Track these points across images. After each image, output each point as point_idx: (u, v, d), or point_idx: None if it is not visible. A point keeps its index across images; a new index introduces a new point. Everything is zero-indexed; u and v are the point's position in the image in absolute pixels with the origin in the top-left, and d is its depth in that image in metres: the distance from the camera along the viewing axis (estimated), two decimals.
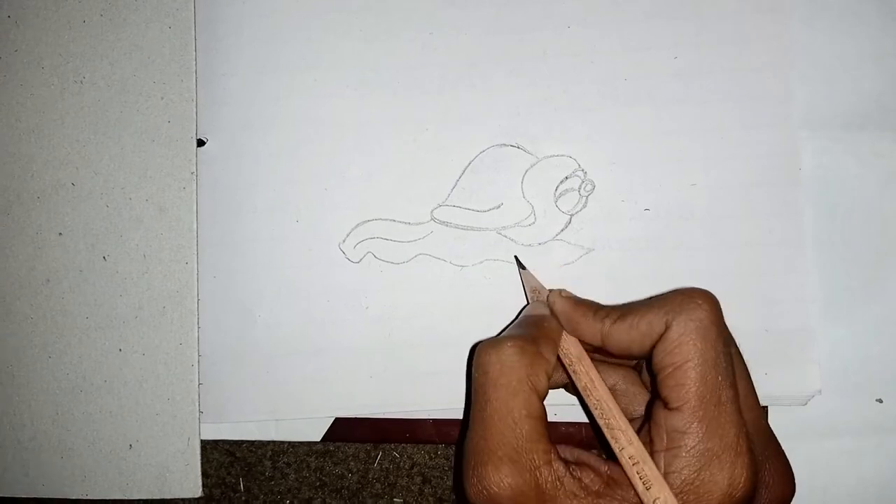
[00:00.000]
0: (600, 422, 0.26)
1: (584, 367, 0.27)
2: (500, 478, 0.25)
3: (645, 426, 0.26)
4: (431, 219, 0.34)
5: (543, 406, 0.26)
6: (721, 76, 0.33)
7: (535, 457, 0.25)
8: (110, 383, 0.34)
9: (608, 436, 0.26)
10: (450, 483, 0.34)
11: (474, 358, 0.27)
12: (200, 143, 0.34)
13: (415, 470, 0.34)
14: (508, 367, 0.26)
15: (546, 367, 0.26)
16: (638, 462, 0.25)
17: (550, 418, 0.27)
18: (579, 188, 0.33)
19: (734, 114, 0.33)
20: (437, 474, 0.34)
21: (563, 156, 0.34)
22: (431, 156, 0.34)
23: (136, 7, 0.34)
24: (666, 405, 0.25)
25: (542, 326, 0.28)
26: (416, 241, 0.34)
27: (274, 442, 0.34)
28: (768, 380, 0.32)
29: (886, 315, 0.33)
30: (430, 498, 0.34)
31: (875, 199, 0.33)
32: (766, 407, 0.33)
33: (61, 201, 0.34)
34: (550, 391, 0.27)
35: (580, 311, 0.28)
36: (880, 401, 0.33)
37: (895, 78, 0.33)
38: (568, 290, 0.30)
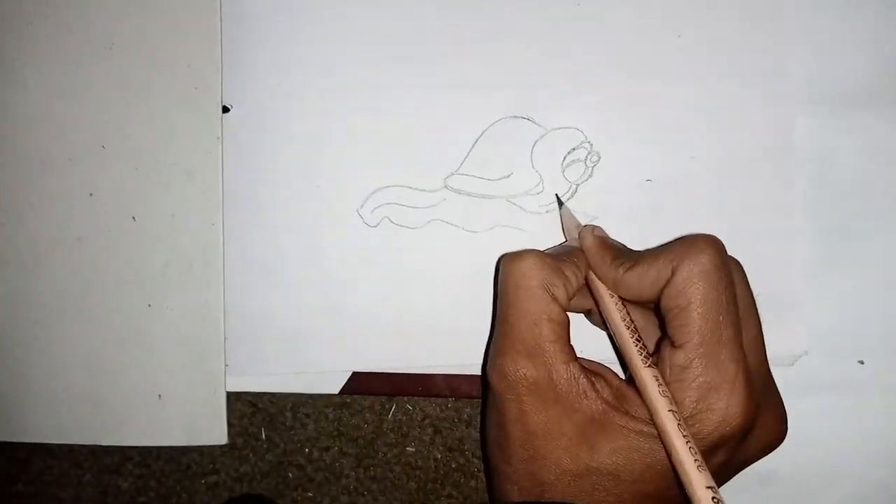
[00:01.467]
0: (619, 341, 0.29)
1: (606, 293, 0.30)
2: (516, 368, 0.27)
3: (655, 362, 0.28)
4: (445, 186, 0.35)
5: (565, 315, 0.28)
6: (722, 54, 0.35)
7: (552, 355, 0.27)
8: (140, 337, 0.36)
9: (623, 350, 0.28)
10: (458, 434, 0.36)
11: (501, 266, 0.29)
12: (225, 109, 0.36)
13: (426, 421, 0.36)
14: (528, 273, 0.28)
15: (565, 282, 0.28)
16: (656, 378, 0.27)
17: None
18: (585, 159, 0.35)
19: (733, 90, 0.35)
20: (448, 426, 0.36)
21: (570, 128, 0.35)
22: (445, 126, 0.35)
23: None
24: (672, 344, 0.27)
25: (570, 253, 0.30)
26: (430, 207, 0.35)
27: (294, 394, 0.36)
28: None
29: (869, 280, 0.35)
30: (441, 447, 0.36)
31: (863, 171, 0.35)
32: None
33: (92, 163, 0.36)
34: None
35: (601, 253, 0.30)
36: (861, 362, 0.35)
37: (888, 56, 0.35)
38: (602, 229, 0.32)
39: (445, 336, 0.35)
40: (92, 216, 0.36)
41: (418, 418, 0.36)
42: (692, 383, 0.26)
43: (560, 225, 0.35)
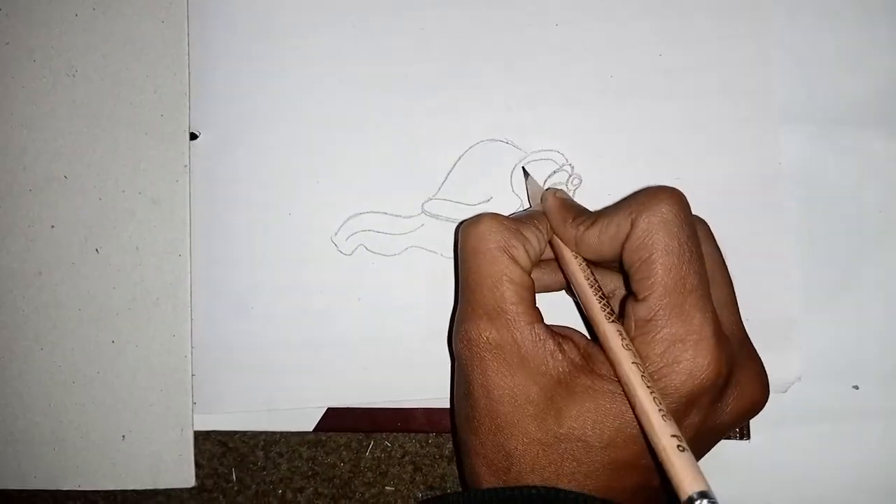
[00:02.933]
0: (582, 300, 0.28)
1: (569, 253, 0.29)
2: (479, 331, 0.26)
3: (620, 319, 0.27)
4: (422, 212, 0.34)
5: (528, 277, 0.27)
6: (705, 73, 0.34)
7: (514, 316, 0.26)
8: (103, 375, 0.34)
9: (587, 309, 0.27)
10: (440, 471, 0.35)
11: (458, 234, 0.29)
12: (193, 136, 0.35)
13: (406, 458, 0.35)
14: (485, 236, 0.27)
15: (525, 244, 0.27)
16: (619, 332, 0.26)
17: None
18: (567, 182, 0.34)
19: (717, 109, 0.34)
20: (428, 462, 0.35)
21: (551, 150, 0.34)
22: (422, 150, 0.34)
23: (129, 0, 0.35)
24: (635, 298, 0.26)
25: (531, 216, 0.29)
26: (407, 233, 0.34)
27: (266, 432, 0.35)
28: None
29: (863, 304, 0.34)
30: (421, 486, 0.35)
31: (853, 191, 0.34)
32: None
33: (54, 194, 0.35)
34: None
35: (562, 214, 0.29)
36: (856, 387, 0.34)
37: (873, 75, 0.34)
38: (565, 191, 0.31)
39: (425, 368, 0.34)
40: (53, 249, 0.34)
41: (397, 455, 0.35)
42: (657, 335, 0.25)
43: (526, 194, 0.34)
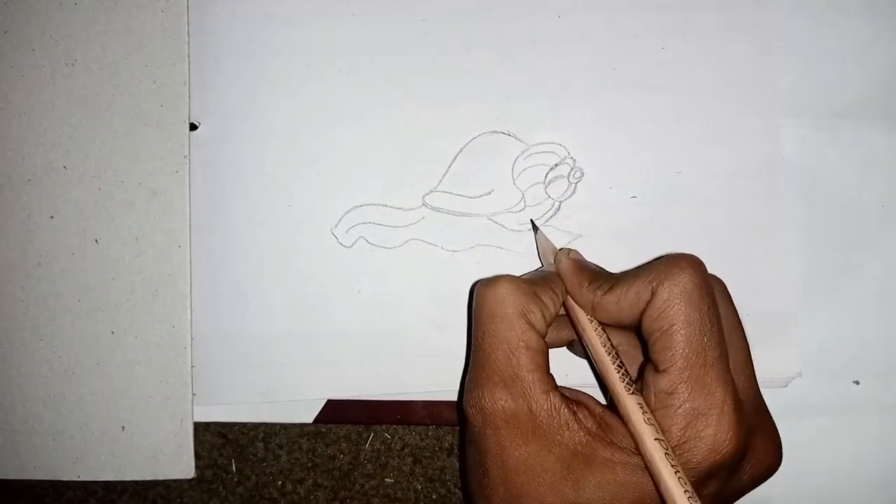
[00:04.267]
0: (600, 368, 0.27)
1: (585, 318, 0.28)
2: (493, 400, 0.26)
3: (639, 388, 0.26)
4: (423, 204, 0.34)
5: (543, 342, 0.27)
6: (707, 66, 0.34)
7: (530, 385, 0.26)
8: (102, 366, 0.34)
9: (605, 378, 0.27)
10: (439, 463, 0.35)
11: (474, 293, 0.28)
12: (193, 127, 0.34)
13: (406, 451, 0.35)
14: (503, 300, 0.27)
15: (542, 308, 0.27)
16: (641, 406, 0.25)
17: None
18: (568, 175, 0.34)
19: (719, 102, 0.34)
20: (428, 454, 0.35)
21: (552, 143, 0.34)
22: (423, 142, 0.34)
23: None
24: (655, 368, 0.26)
25: (546, 277, 0.29)
26: (407, 226, 0.34)
27: (266, 424, 0.35)
28: None
29: (863, 299, 0.34)
30: (421, 478, 0.35)
31: (854, 185, 0.34)
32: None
33: (52, 184, 0.34)
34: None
35: (577, 277, 0.28)
36: (857, 382, 0.34)
37: (875, 68, 0.34)
38: (578, 252, 0.30)
39: (425, 360, 0.34)
40: (52, 239, 0.34)
41: (397, 447, 0.35)
42: (678, 409, 0.25)
43: (536, 250, 0.33)
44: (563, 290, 0.29)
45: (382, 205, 0.34)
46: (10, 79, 0.35)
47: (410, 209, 0.34)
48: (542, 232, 0.33)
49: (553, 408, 0.26)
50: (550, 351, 0.28)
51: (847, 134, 0.34)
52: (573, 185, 0.34)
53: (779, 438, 0.28)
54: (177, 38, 0.34)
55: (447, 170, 0.34)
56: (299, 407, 0.34)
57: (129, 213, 0.34)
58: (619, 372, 0.26)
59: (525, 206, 0.34)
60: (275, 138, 0.34)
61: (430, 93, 0.34)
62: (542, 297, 0.27)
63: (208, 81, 0.35)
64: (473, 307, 0.28)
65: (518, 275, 0.31)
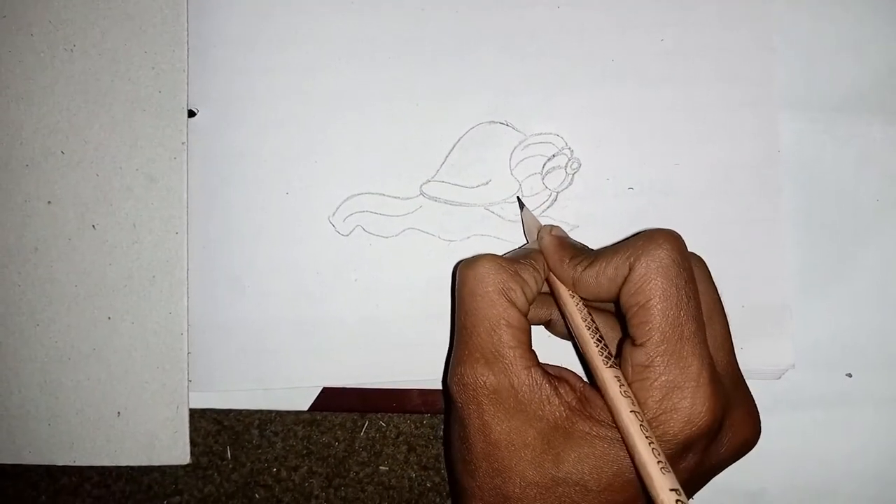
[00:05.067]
0: (580, 342, 0.27)
1: (566, 293, 0.28)
2: (476, 376, 0.26)
3: (617, 363, 0.27)
4: (420, 193, 0.34)
5: (525, 319, 0.27)
6: (705, 58, 0.34)
7: (512, 360, 0.26)
8: (99, 351, 0.34)
9: (584, 352, 0.27)
10: (434, 451, 0.35)
11: (457, 274, 0.28)
12: (191, 113, 0.34)
13: (400, 439, 0.35)
14: (483, 279, 0.27)
15: (523, 285, 0.27)
16: (618, 378, 0.26)
17: None
18: (566, 166, 0.34)
19: (717, 95, 0.34)
20: (423, 443, 0.35)
21: (550, 134, 0.34)
22: (421, 131, 0.34)
23: None
24: (633, 342, 0.26)
25: (528, 255, 0.29)
26: (405, 215, 0.34)
27: (261, 411, 0.35)
28: (744, 354, 0.32)
29: (857, 293, 0.34)
30: (415, 466, 0.35)
31: (850, 179, 0.34)
32: None
33: (50, 169, 0.34)
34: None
35: (559, 254, 0.29)
36: (850, 375, 0.34)
37: (873, 63, 0.34)
38: (561, 228, 0.30)
39: (420, 349, 0.34)
40: (50, 225, 0.34)
41: (392, 435, 0.35)
42: (654, 382, 0.25)
43: (521, 227, 0.33)
44: (545, 267, 0.29)
45: (380, 194, 0.34)
46: (9, 64, 0.35)
47: (408, 198, 0.34)
48: (527, 209, 0.33)
49: (534, 383, 0.26)
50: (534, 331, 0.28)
51: (844, 127, 0.34)
52: (570, 175, 0.34)
53: (757, 412, 0.28)
54: (176, 25, 0.34)
55: (445, 159, 0.34)
56: (295, 394, 0.34)
57: (126, 199, 0.34)
58: (597, 346, 0.27)
59: (522, 195, 0.34)
60: (273, 126, 0.34)
61: (429, 82, 0.34)
62: (523, 275, 0.28)
63: (207, 68, 0.35)
64: (456, 286, 0.28)
65: (500, 253, 0.31)
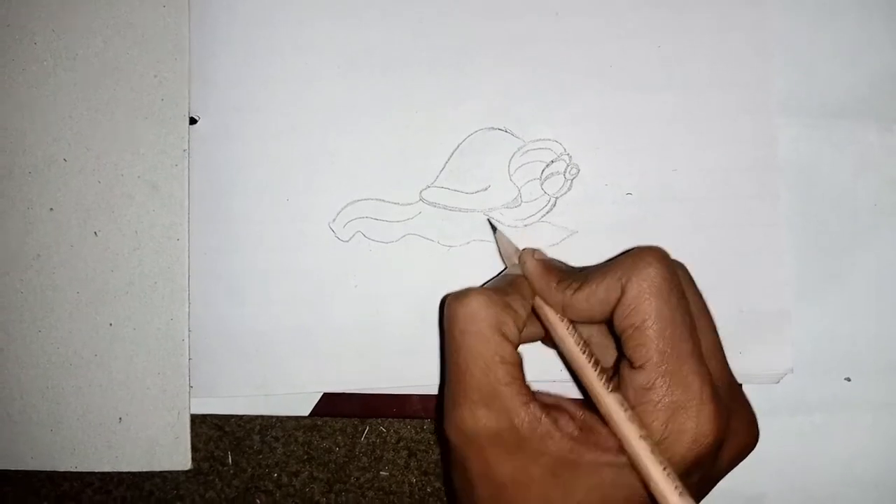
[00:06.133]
0: (575, 367, 0.27)
1: (556, 318, 0.28)
2: (475, 419, 0.26)
3: (616, 385, 0.27)
4: (420, 199, 0.34)
5: (517, 353, 0.27)
6: (703, 64, 0.34)
7: (510, 399, 0.26)
8: (100, 357, 0.34)
9: (582, 377, 0.27)
10: (435, 457, 0.35)
11: (445, 309, 0.28)
12: (192, 121, 0.35)
13: (401, 444, 0.35)
14: (476, 315, 0.26)
15: (515, 317, 0.27)
16: (622, 404, 0.25)
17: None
18: (564, 172, 0.34)
19: (715, 101, 0.34)
20: (423, 448, 0.35)
21: (549, 140, 0.34)
22: (421, 138, 0.35)
23: None
24: (631, 364, 0.26)
25: (513, 283, 0.29)
26: (404, 221, 0.34)
27: (262, 416, 0.35)
28: (743, 358, 0.33)
29: (856, 297, 0.34)
30: (416, 471, 0.35)
31: (848, 184, 0.34)
32: (740, 385, 0.34)
33: (53, 177, 0.35)
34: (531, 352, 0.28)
35: (545, 278, 0.28)
36: (848, 379, 0.34)
37: (870, 68, 0.34)
38: (541, 251, 0.30)
39: (420, 354, 0.34)
40: (52, 231, 0.34)
41: (392, 441, 0.35)
42: (658, 405, 0.25)
43: (497, 251, 0.33)
44: (531, 293, 0.29)
45: (380, 200, 0.34)
46: (12, 72, 0.35)
47: (407, 204, 0.34)
48: (501, 232, 0.33)
49: (534, 419, 0.25)
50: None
51: (841, 133, 0.34)
52: (569, 181, 0.34)
53: (754, 416, 0.28)
54: (178, 34, 0.35)
55: (444, 165, 0.34)
56: (295, 400, 0.34)
57: (128, 206, 0.34)
58: (595, 370, 0.26)
59: (521, 201, 0.34)
60: (274, 133, 0.35)
61: (428, 89, 0.35)
62: (514, 306, 0.27)
63: (208, 76, 0.35)
64: (445, 324, 0.27)
65: (485, 281, 0.31)
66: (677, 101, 0.34)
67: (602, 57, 0.34)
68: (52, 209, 0.35)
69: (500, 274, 0.33)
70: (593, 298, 0.27)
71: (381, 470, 0.35)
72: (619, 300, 0.26)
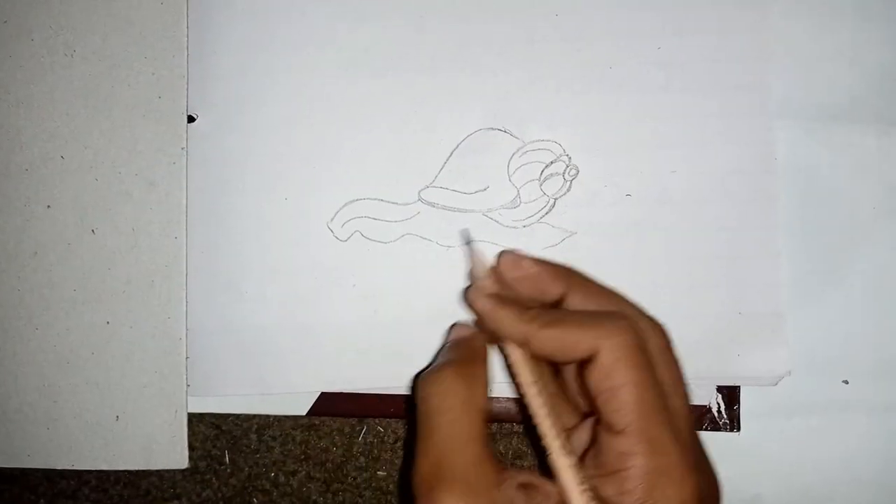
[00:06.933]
0: (540, 433, 0.27)
1: (525, 372, 0.28)
2: (454, 502, 0.25)
3: (591, 450, 0.26)
4: (419, 199, 0.34)
5: (488, 426, 0.26)
6: (702, 66, 0.34)
7: (487, 480, 0.25)
8: (97, 356, 0.34)
9: (547, 446, 0.26)
10: None
11: (416, 391, 0.27)
12: (191, 119, 0.35)
13: (398, 444, 0.35)
14: (449, 393, 0.26)
15: (482, 384, 0.27)
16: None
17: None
18: (563, 173, 0.34)
19: (714, 103, 0.34)
20: None
21: (548, 140, 0.34)
22: (420, 138, 0.34)
23: None
24: (609, 429, 0.25)
25: (471, 346, 0.29)
26: (403, 221, 0.34)
27: (259, 416, 0.35)
28: (740, 360, 0.33)
29: (853, 300, 0.34)
30: None
31: (845, 187, 0.34)
32: (738, 387, 0.34)
33: (50, 174, 0.34)
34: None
35: (503, 312, 0.28)
36: (846, 381, 0.34)
37: (868, 71, 0.34)
38: (490, 282, 0.30)
39: (418, 354, 0.34)
40: (49, 229, 0.34)
41: (390, 441, 0.35)
42: (640, 470, 0.25)
43: (467, 264, 0.33)
44: (486, 350, 0.29)
45: (378, 199, 0.34)
46: (9, 68, 0.35)
47: (406, 204, 0.34)
48: (475, 248, 0.31)
49: (510, 501, 0.25)
50: None
51: (840, 136, 0.34)
52: (568, 182, 0.34)
53: (717, 479, 0.28)
54: (176, 31, 0.34)
55: (443, 165, 0.34)
56: (293, 399, 0.34)
57: (126, 203, 0.34)
58: (559, 439, 0.26)
59: (520, 202, 0.34)
60: (272, 132, 0.35)
61: (428, 89, 0.35)
62: (478, 372, 0.27)
63: (207, 74, 0.35)
64: (418, 404, 0.27)
65: (441, 345, 0.32)
66: (676, 103, 0.34)
67: (602, 58, 0.34)
68: (49, 206, 0.34)
69: (450, 328, 0.32)
70: (560, 342, 0.26)
71: (378, 470, 0.35)
72: (593, 360, 0.26)
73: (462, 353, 0.29)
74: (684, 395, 0.28)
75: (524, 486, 0.26)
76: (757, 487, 0.34)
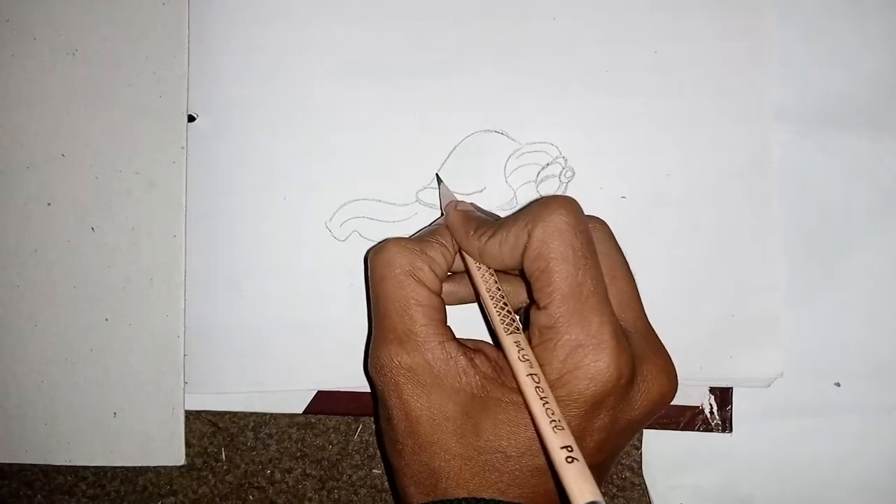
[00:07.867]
0: (486, 311, 0.28)
1: (473, 265, 0.29)
2: (390, 357, 0.27)
3: (518, 328, 0.27)
4: (417, 200, 0.35)
5: (436, 297, 0.28)
6: (698, 70, 0.34)
7: (424, 338, 0.27)
8: (96, 353, 0.34)
9: (490, 320, 0.28)
10: None
11: (367, 262, 0.29)
12: (191, 118, 0.35)
13: None
14: (391, 262, 0.28)
15: (431, 263, 0.28)
16: (518, 343, 0.26)
17: None
18: (560, 175, 0.34)
19: (710, 107, 0.34)
20: None
21: (545, 143, 0.35)
22: (418, 139, 0.35)
23: None
24: (537, 306, 0.26)
25: (434, 232, 0.30)
26: (401, 221, 0.35)
27: (256, 413, 0.35)
28: (734, 362, 0.33)
29: (846, 302, 0.34)
30: None
31: (839, 190, 0.34)
32: (731, 388, 0.34)
33: (51, 172, 0.35)
34: None
35: (464, 227, 0.29)
36: (838, 384, 0.34)
37: (864, 76, 0.34)
38: (472, 203, 0.31)
39: None
40: (49, 226, 0.35)
41: None
42: (558, 342, 0.25)
43: (439, 202, 0.34)
44: (454, 242, 0.29)
45: (377, 200, 0.35)
46: (11, 67, 0.35)
47: (404, 205, 0.35)
48: (444, 184, 0.33)
49: (449, 357, 0.27)
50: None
51: (834, 140, 0.34)
52: (564, 184, 0.34)
53: (671, 364, 0.28)
54: (177, 31, 0.35)
55: (441, 167, 0.35)
56: (290, 397, 0.35)
57: (126, 202, 0.35)
58: (499, 313, 0.27)
59: (517, 204, 0.34)
60: (272, 132, 0.35)
61: (425, 91, 0.35)
62: (430, 252, 0.28)
63: (207, 74, 0.35)
64: (368, 272, 0.29)
65: (414, 232, 0.32)
66: (672, 106, 0.34)
67: (598, 61, 0.35)
68: (49, 204, 0.35)
69: (428, 225, 0.33)
70: (504, 244, 0.27)
71: (373, 468, 0.35)
72: (526, 245, 0.26)
73: (423, 233, 0.30)
74: (629, 279, 0.28)
75: (469, 350, 0.27)
76: (749, 488, 0.34)
